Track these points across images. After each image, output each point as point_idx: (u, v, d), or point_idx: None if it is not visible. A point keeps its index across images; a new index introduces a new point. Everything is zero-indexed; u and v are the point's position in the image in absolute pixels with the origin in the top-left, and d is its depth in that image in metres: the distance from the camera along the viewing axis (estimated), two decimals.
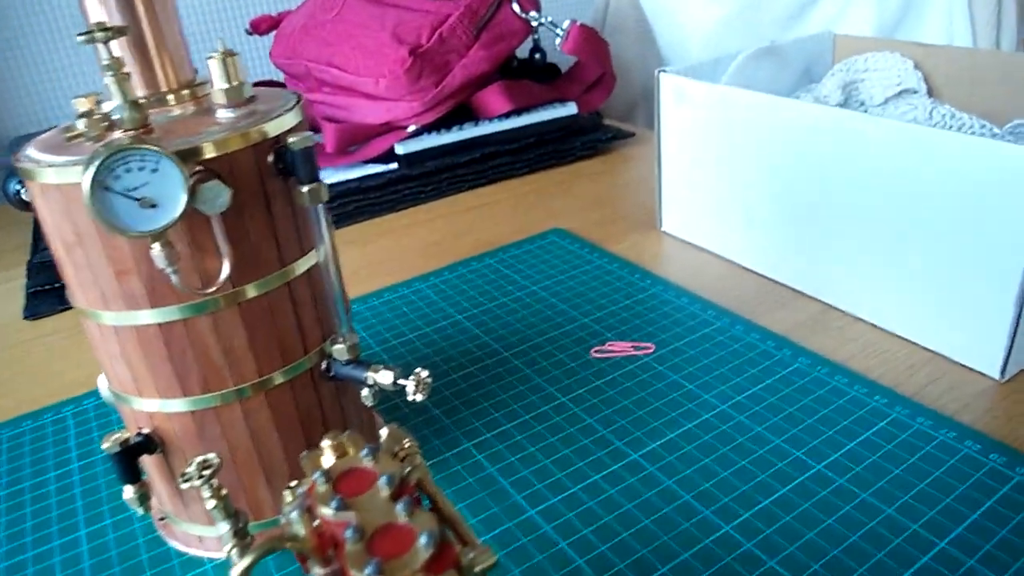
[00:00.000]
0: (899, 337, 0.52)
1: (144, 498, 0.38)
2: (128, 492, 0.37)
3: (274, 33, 1.00)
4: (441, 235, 0.75)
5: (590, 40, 0.90)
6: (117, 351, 0.35)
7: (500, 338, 0.56)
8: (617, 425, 0.46)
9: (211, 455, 0.32)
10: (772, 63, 0.70)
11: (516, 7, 0.87)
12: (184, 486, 0.32)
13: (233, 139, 0.32)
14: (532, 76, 0.94)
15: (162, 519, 0.42)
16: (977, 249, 0.45)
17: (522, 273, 0.65)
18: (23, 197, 0.33)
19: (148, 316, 0.34)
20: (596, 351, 0.53)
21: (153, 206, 0.30)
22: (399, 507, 0.22)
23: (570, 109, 0.89)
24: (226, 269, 0.33)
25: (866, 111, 0.71)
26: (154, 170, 0.30)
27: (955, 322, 0.48)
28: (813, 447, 0.43)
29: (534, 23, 0.88)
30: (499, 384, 0.51)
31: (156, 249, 0.31)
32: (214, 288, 0.33)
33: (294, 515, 0.24)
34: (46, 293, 0.71)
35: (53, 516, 0.44)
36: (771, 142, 0.56)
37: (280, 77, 1.05)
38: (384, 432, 0.27)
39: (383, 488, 0.23)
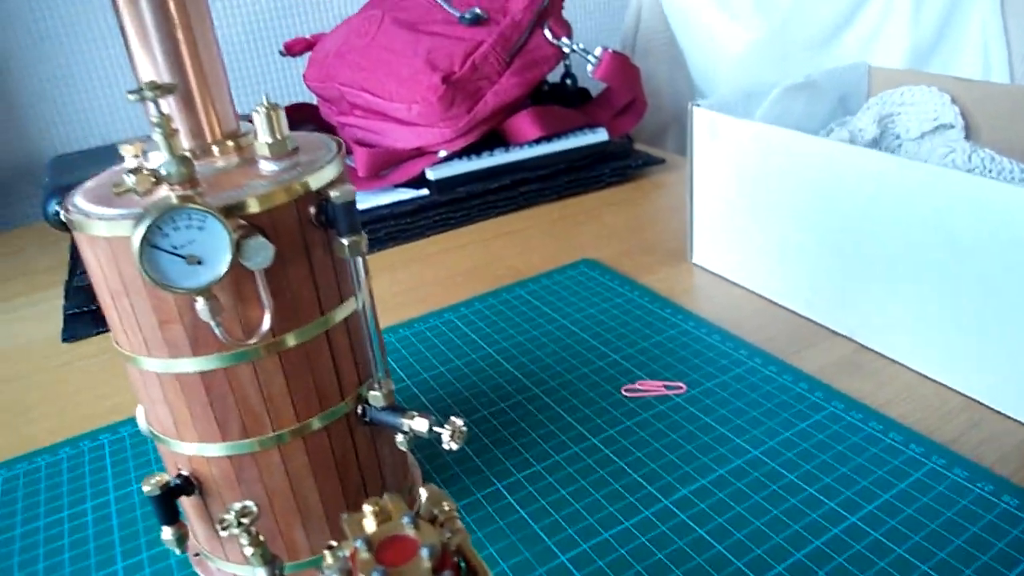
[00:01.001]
0: (935, 381, 0.51)
1: (182, 539, 0.38)
2: (167, 533, 0.38)
3: (308, 55, 1.01)
4: (471, 262, 0.76)
5: (622, 67, 0.90)
6: (159, 395, 0.36)
7: (530, 373, 0.56)
8: (648, 469, 0.46)
9: (249, 503, 0.33)
10: (806, 96, 0.70)
11: (548, 34, 0.87)
12: (223, 533, 0.33)
13: (277, 193, 0.33)
14: (563, 101, 0.95)
15: (197, 555, 0.43)
16: (1017, 294, 0.45)
17: (552, 305, 0.65)
18: (62, 219, 0.34)
19: (190, 364, 0.34)
20: (627, 389, 0.53)
21: (199, 263, 0.31)
22: None
23: (600, 136, 0.89)
24: (267, 321, 0.34)
25: (901, 144, 0.70)
26: (200, 228, 0.30)
27: (993, 367, 0.47)
28: (847, 498, 0.42)
29: (566, 49, 0.88)
30: (530, 423, 0.51)
31: (200, 303, 0.31)
32: (256, 339, 0.34)
33: None
34: (84, 315, 0.72)
35: (91, 548, 0.45)
36: (806, 180, 0.56)
37: (313, 99, 1.06)
38: (423, 494, 0.27)
39: (425, 560, 0.23)
